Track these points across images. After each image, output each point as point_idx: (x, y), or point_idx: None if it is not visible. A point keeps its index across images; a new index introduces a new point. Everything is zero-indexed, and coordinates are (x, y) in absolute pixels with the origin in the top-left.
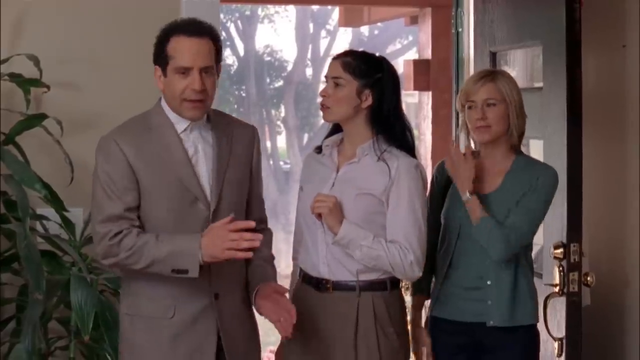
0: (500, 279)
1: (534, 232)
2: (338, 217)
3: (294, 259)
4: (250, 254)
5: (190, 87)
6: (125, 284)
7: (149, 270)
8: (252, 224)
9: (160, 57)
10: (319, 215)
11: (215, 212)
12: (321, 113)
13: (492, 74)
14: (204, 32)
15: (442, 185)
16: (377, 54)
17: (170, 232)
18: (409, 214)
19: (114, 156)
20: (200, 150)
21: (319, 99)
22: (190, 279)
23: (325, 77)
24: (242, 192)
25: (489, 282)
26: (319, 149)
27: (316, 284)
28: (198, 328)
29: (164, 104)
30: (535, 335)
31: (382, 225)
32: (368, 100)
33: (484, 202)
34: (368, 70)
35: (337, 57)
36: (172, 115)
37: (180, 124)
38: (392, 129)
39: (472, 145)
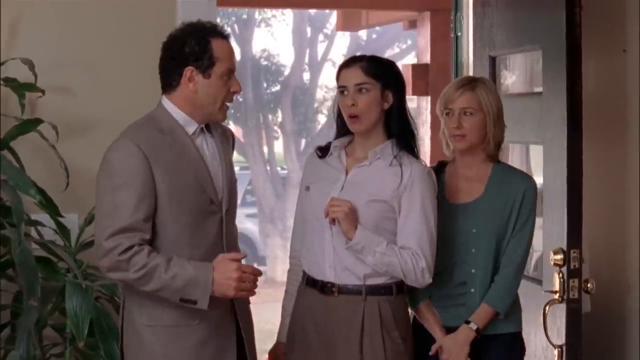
0: (483, 287)
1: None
2: (353, 222)
3: (294, 257)
4: (254, 293)
5: (233, 89)
6: (137, 295)
7: (157, 294)
8: (260, 272)
9: (202, 58)
10: (333, 220)
11: (227, 213)
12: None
13: (472, 82)
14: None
15: None
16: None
17: (188, 238)
18: (421, 221)
19: (136, 160)
20: (206, 153)
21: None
22: None
23: (343, 87)
24: (237, 192)
25: (472, 290)
26: (321, 150)
27: (321, 287)
28: (221, 330)
29: (169, 106)
30: (519, 342)
31: (391, 231)
32: (389, 100)
33: (465, 211)
34: (385, 70)
35: (351, 65)
36: (180, 118)
37: (190, 127)
38: (406, 131)
39: (449, 151)
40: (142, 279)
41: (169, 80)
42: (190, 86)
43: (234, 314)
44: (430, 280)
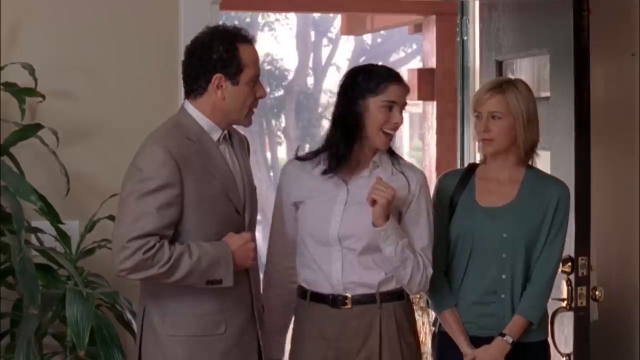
0: (514, 293)
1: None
2: (387, 212)
3: (277, 272)
4: None
5: (259, 95)
6: (160, 304)
7: (182, 283)
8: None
9: (231, 65)
10: (374, 201)
11: (249, 222)
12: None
13: (503, 85)
14: None
15: (449, 196)
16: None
17: None
18: (426, 230)
19: (168, 168)
20: (229, 160)
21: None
22: (237, 286)
23: (392, 102)
24: (257, 199)
25: (503, 296)
26: (298, 158)
27: (332, 301)
28: (245, 338)
29: (194, 112)
30: (547, 350)
31: None
32: None
33: (497, 216)
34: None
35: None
36: (205, 124)
37: (214, 133)
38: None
39: (479, 154)
40: (169, 271)
41: (195, 86)
42: (219, 93)
43: (254, 320)
44: (427, 289)
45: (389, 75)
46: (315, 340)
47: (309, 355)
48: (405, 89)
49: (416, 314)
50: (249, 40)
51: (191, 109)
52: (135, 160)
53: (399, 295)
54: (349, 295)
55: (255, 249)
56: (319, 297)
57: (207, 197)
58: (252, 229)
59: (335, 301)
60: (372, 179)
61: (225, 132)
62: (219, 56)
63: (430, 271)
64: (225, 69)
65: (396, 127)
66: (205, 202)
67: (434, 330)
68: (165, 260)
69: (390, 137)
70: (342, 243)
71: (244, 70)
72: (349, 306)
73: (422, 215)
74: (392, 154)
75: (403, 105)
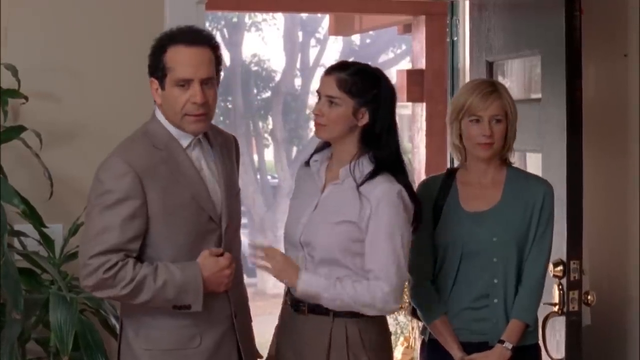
0: (507, 297)
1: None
2: (290, 272)
3: None
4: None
5: (192, 100)
6: (133, 317)
7: (149, 305)
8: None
9: (157, 69)
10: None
11: (227, 230)
12: (310, 125)
13: (495, 88)
14: (203, 40)
15: (432, 203)
16: (371, 66)
17: (187, 256)
18: (387, 244)
19: (127, 180)
20: (204, 166)
21: (312, 116)
22: (213, 300)
23: (318, 92)
24: (240, 203)
25: (495, 301)
26: (308, 163)
27: (294, 304)
28: (222, 351)
29: (161, 118)
30: (539, 353)
31: (361, 253)
32: (365, 118)
33: (484, 219)
34: (364, 87)
35: (331, 73)
36: (173, 130)
37: (184, 139)
38: (383, 148)
39: (459, 157)
40: (132, 293)
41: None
42: (157, 98)
43: (234, 333)
44: (396, 306)
45: (328, 67)
46: (284, 339)
47: (278, 349)
48: (329, 78)
49: (405, 319)
50: (190, 42)
51: (159, 114)
52: (97, 172)
53: (356, 313)
54: (306, 302)
55: (230, 275)
56: (289, 299)
57: (175, 206)
58: (230, 236)
59: (294, 305)
60: (344, 187)
61: (199, 136)
62: (150, 61)
63: (386, 288)
64: (155, 74)
65: (316, 118)
66: (173, 212)
67: (423, 339)
68: (128, 281)
69: (317, 127)
70: (305, 249)
71: (167, 75)
72: (305, 313)
73: (381, 229)
74: (385, 167)
75: (328, 97)
